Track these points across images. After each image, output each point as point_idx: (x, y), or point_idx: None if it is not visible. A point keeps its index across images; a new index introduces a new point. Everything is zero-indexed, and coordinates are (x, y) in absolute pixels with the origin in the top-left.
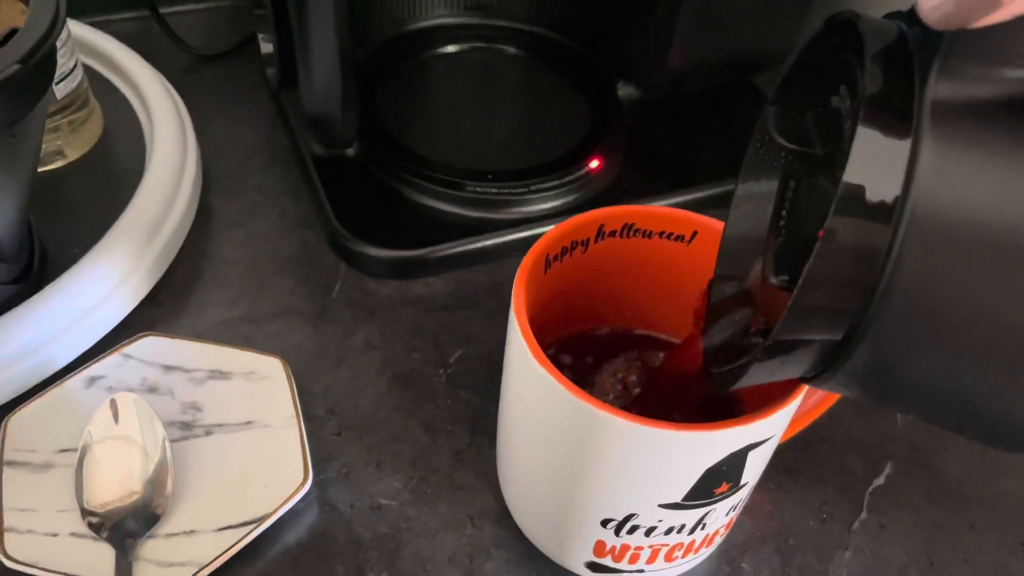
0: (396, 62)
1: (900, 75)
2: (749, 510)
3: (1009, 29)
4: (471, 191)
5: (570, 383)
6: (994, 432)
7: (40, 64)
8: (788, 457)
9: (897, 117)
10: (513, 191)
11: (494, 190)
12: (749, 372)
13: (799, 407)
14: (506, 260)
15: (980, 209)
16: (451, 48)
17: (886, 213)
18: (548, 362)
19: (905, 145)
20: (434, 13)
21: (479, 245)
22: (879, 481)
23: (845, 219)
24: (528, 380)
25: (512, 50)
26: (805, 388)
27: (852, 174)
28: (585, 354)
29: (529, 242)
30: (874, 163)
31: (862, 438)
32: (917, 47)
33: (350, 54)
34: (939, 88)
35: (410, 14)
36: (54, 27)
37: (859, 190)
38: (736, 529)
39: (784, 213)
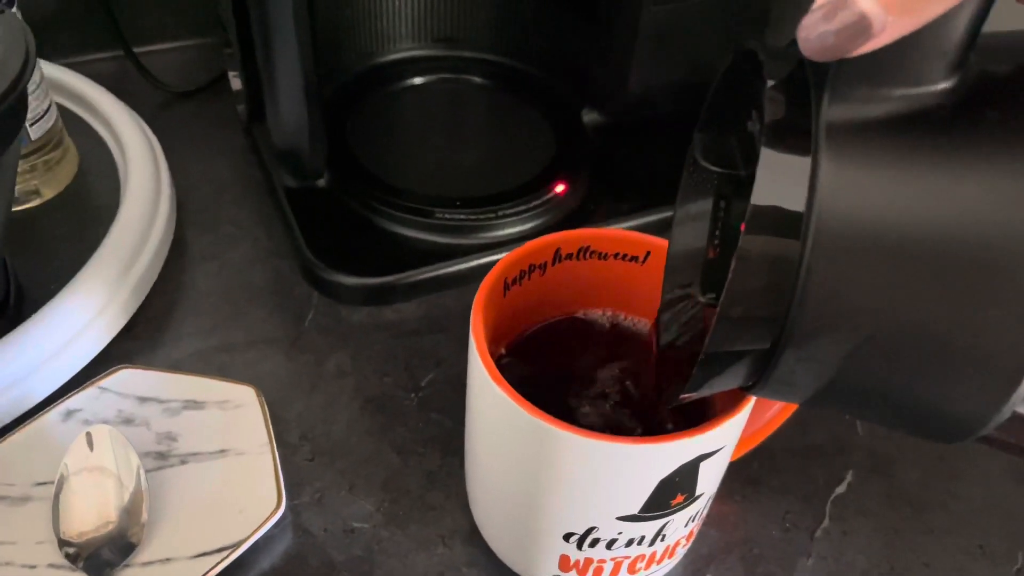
0: (365, 94)
1: (798, 100)
2: (713, 521)
3: (885, 53)
4: (440, 218)
5: (525, 401)
6: (924, 426)
7: (11, 109)
8: (751, 469)
9: (796, 140)
10: (481, 217)
11: (462, 216)
12: (689, 386)
13: (758, 419)
14: (476, 284)
15: (878, 217)
16: (419, 80)
17: (793, 228)
18: (504, 382)
19: (805, 164)
20: (402, 46)
21: (449, 270)
22: (840, 489)
23: (757, 237)
24: (487, 400)
25: (478, 80)
26: (752, 399)
27: (759, 195)
28: (555, 347)
29: None
30: (778, 183)
31: (823, 448)
32: (812, 72)
33: (316, 89)
34: (832, 111)
35: (378, 47)
36: (24, 72)
37: (766, 209)
38: (701, 540)
39: (717, 232)
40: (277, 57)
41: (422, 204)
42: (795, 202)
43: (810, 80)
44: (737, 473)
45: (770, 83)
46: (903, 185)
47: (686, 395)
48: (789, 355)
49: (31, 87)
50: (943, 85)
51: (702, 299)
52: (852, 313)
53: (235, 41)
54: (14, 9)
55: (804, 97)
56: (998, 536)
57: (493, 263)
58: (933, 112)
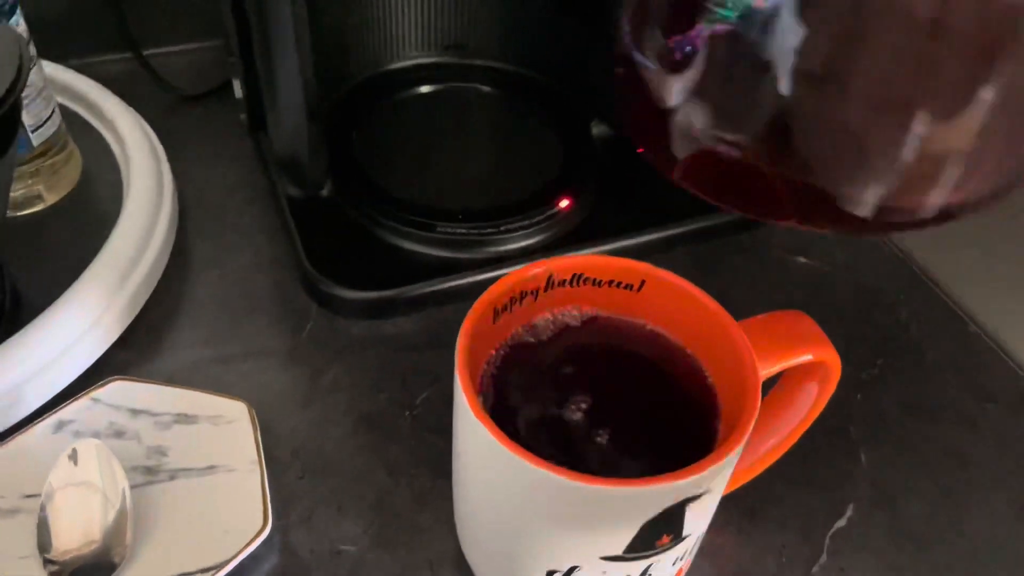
0: (371, 102)
1: None
2: (707, 553)
3: None
4: (441, 232)
5: (507, 438)
6: None
7: (3, 121)
8: (748, 499)
9: None
10: (483, 231)
11: (464, 230)
12: None
13: (754, 452)
14: (476, 299)
15: None
16: (426, 88)
17: None
18: (486, 418)
19: None
20: (410, 54)
21: (449, 285)
22: (840, 523)
23: None
24: (470, 434)
25: (487, 89)
26: (741, 443)
27: None
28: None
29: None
30: None
31: (824, 479)
32: None
33: (316, 101)
34: None
35: (386, 55)
36: (15, 87)
37: None
38: (694, 572)
39: None
40: (277, 68)
41: (423, 217)
42: None
43: None
44: (733, 503)
45: None
46: None
47: None
48: None
49: (33, 94)
50: None
51: None
52: None
53: (236, 50)
54: (16, 19)
55: None
56: (1004, 575)
57: (494, 279)
58: None
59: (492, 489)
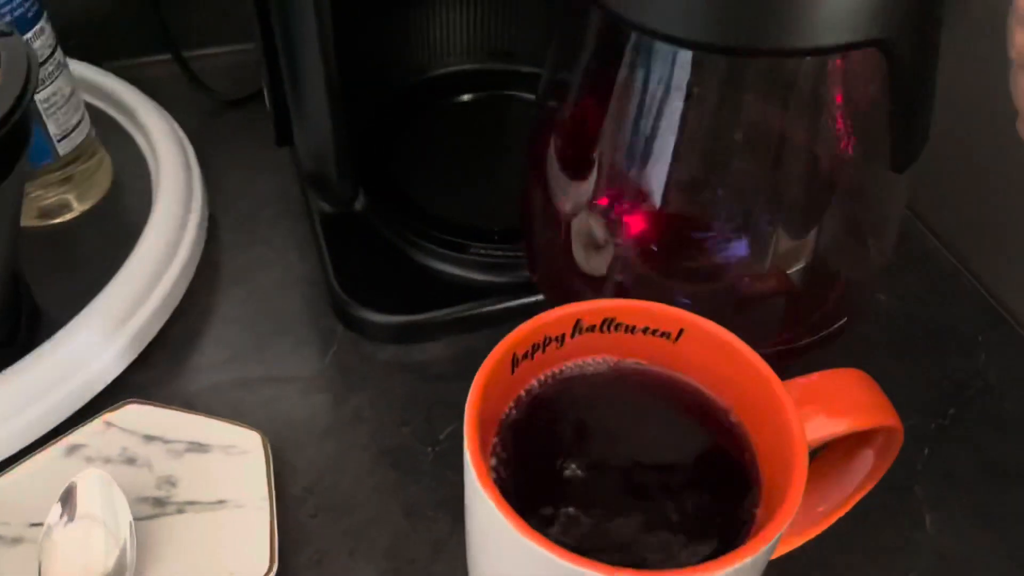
0: (415, 110)
1: None
2: None
3: None
4: (474, 253)
5: (516, 515)
6: None
7: (8, 138)
8: (796, 565)
9: None
10: (519, 254)
11: (498, 252)
12: None
13: (808, 515)
14: (509, 326)
15: None
16: (469, 96)
17: None
18: (497, 493)
19: None
20: (456, 60)
21: (482, 311)
22: None
23: None
24: (478, 505)
25: (533, 97)
26: (782, 529)
27: None
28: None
29: (534, 308)
30: None
31: (884, 544)
32: None
33: (343, 116)
34: None
35: (431, 61)
36: (19, 104)
37: None
38: None
39: None
40: (302, 79)
41: (456, 237)
42: None
43: None
44: (777, 570)
45: None
46: None
47: None
48: None
49: (59, 102)
50: None
51: None
52: None
53: (263, 62)
54: (41, 24)
55: None
56: None
57: (530, 304)
58: None
59: (500, 559)
